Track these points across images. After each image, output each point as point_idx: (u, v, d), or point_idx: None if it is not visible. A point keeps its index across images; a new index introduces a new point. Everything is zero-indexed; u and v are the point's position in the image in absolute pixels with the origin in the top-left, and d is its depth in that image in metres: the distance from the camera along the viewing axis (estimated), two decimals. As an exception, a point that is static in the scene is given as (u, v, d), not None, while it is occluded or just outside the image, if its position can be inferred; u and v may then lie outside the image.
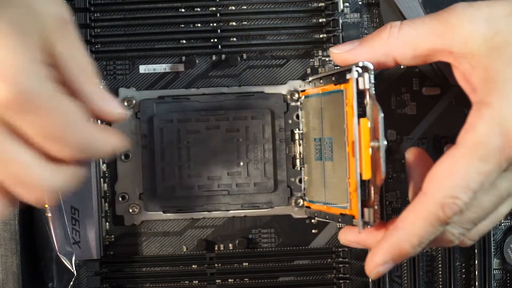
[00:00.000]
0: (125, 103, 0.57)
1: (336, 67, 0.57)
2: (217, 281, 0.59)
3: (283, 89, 0.58)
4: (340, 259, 0.58)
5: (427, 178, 0.44)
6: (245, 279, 0.59)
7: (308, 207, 0.57)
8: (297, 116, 0.58)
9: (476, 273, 0.58)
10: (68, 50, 0.40)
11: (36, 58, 0.38)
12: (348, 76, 0.47)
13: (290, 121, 0.58)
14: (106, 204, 0.58)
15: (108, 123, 0.56)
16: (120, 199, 0.58)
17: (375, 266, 0.46)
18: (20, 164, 0.39)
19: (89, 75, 0.42)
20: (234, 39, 0.58)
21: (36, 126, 0.38)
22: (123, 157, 0.58)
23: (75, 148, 0.39)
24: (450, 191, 0.43)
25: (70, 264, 0.56)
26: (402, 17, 0.55)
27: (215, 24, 0.58)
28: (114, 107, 0.42)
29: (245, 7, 0.58)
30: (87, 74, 0.41)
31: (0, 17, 0.37)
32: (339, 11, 0.58)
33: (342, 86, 0.48)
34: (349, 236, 0.49)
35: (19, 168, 0.39)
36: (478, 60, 0.44)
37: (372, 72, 0.46)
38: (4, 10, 0.38)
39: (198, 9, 0.58)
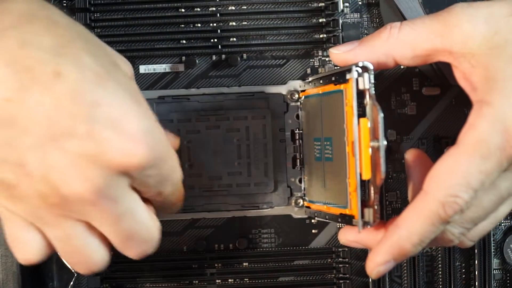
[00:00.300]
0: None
1: (336, 67, 0.57)
2: (217, 281, 0.59)
3: (283, 89, 0.58)
4: (340, 259, 0.58)
5: (428, 177, 0.44)
6: (245, 279, 0.59)
7: (308, 207, 0.57)
8: (297, 116, 0.58)
9: (476, 273, 0.58)
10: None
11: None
12: (348, 76, 0.47)
13: (290, 121, 0.58)
14: (106, 204, 0.58)
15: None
16: (120, 199, 0.58)
17: (376, 265, 0.46)
18: (85, 252, 0.44)
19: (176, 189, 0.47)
20: (234, 39, 0.58)
21: (112, 227, 0.43)
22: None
23: (135, 243, 0.45)
24: (451, 189, 0.43)
25: (70, 264, 0.56)
26: (402, 17, 0.55)
27: (215, 24, 0.58)
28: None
29: (245, 7, 0.58)
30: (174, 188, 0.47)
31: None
32: (339, 11, 0.58)
33: (342, 86, 0.48)
34: (348, 236, 0.49)
35: (84, 255, 0.44)
36: (478, 59, 0.44)
37: (372, 72, 0.46)
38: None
39: (198, 9, 0.58)
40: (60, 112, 0.39)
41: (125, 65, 0.46)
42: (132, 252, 0.45)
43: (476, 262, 0.58)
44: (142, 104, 0.43)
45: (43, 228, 0.43)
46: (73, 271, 0.56)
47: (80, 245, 0.44)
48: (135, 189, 0.43)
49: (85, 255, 0.44)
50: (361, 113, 0.46)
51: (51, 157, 0.39)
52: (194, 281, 0.58)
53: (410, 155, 0.49)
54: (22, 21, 0.39)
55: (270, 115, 0.57)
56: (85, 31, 0.43)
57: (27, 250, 0.44)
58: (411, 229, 0.44)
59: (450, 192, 0.43)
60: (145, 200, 0.45)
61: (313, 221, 0.58)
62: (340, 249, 0.58)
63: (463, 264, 0.58)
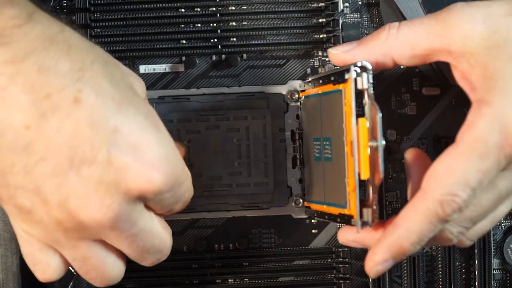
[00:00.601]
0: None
1: (335, 68, 0.57)
2: (217, 281, 0.59)
3: (283, 89, 0.58)
4: (340, 259, 0.58)
5: (426, 176, 0.44)
6: (245, 279, 0.59)
7: (308, 207, 0.57)
8: (297, 116, 0.58)
9: (476, 273, 0.57)
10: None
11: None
12: (346, 76, 0.47)
13: (290, 121, 0.58)
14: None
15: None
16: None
17: (375, 264, 0.46)
18: (103, 269, 0.45)
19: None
20: (234, 39, 0.58)
21: (129, 245, 0.44)
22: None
23: (151, 255, 0.46)
24: (449, 188, 0.43)
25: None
26: (402, 18, 0.55)
27: (215, 24, 0.58)
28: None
29: (245, 7, 0.58)
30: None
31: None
32: (339, 11, 0.58)
33: (340, 86, 0.48)
34: (348, 236, 0.49)
35: (101, 272, 0.45)
36: (477, 59, 0.44)
37: (371, 72, 0.46)
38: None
39: (198, 9, 0.58)
40: (80, 139, 0.39)
41: (139, 84, 0.46)
42: (148, 262, 0.46)
43: (476, 262, 0.57)
44: (161, 129, 0.43)
45: (60, 250, 0.44)
46: (72, 270, 0.56)
47: (98, 263, 0.44)
48: (148, 207, 0.44)
49: (103, 271, 0.45)
50: (360, 113, 0.46)
51: (69, 185, 0.40)
52: (194, 281, 0.59)
53: (409, 155, 0.49)
54: (41, 45, 0.39)
55: (270, 115, 0.57)
56: (102, 53, 0.43)
57: (46, 270, 0.45)
58: (409, 228, 0.44)
59: (448, 190, 0.43)
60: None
61: (313, 221, 0.58)
62: (340, 249, 0.58)
63: (463, 264, 0.58)
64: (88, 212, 0.40)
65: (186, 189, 0.46)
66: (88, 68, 0.40)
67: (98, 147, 0.39)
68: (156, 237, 0.45)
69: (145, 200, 0.43)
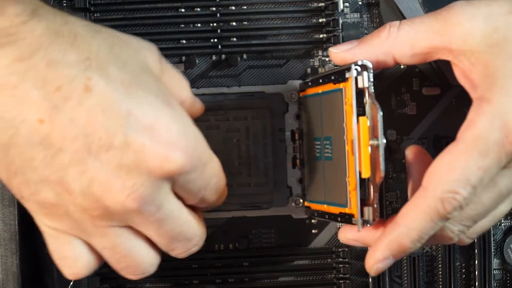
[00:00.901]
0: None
1: (336, 67, 0.57)
2: (217, 281, 0.58)
3: (283, 89, 0.58)
4: (340, 259, 0.58)
5: (427, 173, 0.44)
6: (245, 279, 0.59)
7: (308, 207, 0.57)
8: (297, 116, 0.58)
9: (476, 273, 0.57)
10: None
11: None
12: (347, 75, 0.47)
13: (290, 121, 0.58)
14: (106, 204, 0.58)
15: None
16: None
17: (375, 262, 0.46)
18: (134, 257, 0.45)
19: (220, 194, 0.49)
20: (234, 39, 0.58)
21: (156, 230, 0.44)
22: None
23: (180, 244, 0.46)
24: (450, 186, 0.43)
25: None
26: (402, 17, 0.55)
27: (215, 24, 0.58)
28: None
29: (245, 7, 0.58)
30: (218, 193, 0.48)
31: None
32: (339, 11, 0.58)
33: (341, 85, 0.48)
34: (348, 235, 0.49)
35: (133, 260, 0.45)
36: (478, 57, 0.44)
37: (371, 71, 0.46)
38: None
39: (198, 9, 0.58)
40: (95, 126, 0.39)
41: (150, 55, 0.46)
42: (178, 252, 0.47)
43: (476, 262, 0.57)
44: (174, 106, 0.43)
45: (89, 240, 0.44)
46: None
47: (128, 250, 0.45)
48: (178, 196, 0.45)
49: (134, 259, 0.45)
50: (361, 112, 0.46)
51: (90, 171, 0.40)
52: (194, 281, 0.58)
53: (410, 152, 0.49)
54: (47, 40, 0.39)
55: (270, 115, 0.57)
56: (108, 35, 0.43)
57: (76, 264, 0.45)
58: (410, 225, 0.44)
59: (449, 188, 0.43)
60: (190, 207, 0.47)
61: (313, 221, 0.58)
62: (340, 249, 0.58)
63: (463, 264, 0.58)
64: (112, 195, 0.40)
65: (213, 172, 0.46)
66: (95, 56, 0.41)
67: (114, 132, 0.40)
68: (185, 224, 0.45)
69: (171, 184, 0.43)
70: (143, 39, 0.47)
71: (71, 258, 0.44)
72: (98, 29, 0.43)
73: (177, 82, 0.49)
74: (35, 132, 0.39)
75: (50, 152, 0.39)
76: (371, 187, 0.46)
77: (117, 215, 0.42)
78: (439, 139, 0.58)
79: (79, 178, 0.40)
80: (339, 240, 0.51)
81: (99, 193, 0.40)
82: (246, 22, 0.58)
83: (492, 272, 0.58)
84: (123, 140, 0.40)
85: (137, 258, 0.45)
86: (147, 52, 0.46)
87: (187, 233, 0.46)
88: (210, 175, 0.45)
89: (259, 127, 0.57)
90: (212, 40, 0.58)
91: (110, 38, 0.43)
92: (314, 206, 0.55)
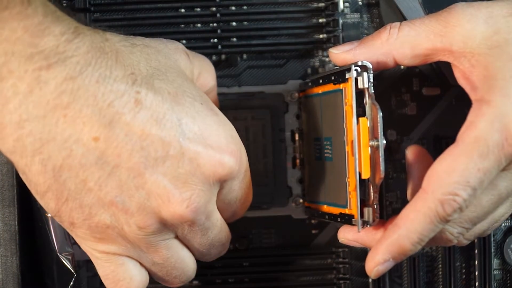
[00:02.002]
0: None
1: (336, 68, 0.56)
2: (217, 281, 0.58)
3: (283, 89, 0.58)
4: (340, 259, 0.58)
5: (427, 176, 0.44)
6: (245, 279, 0.59)
7: (308, 207, 0.57)
8: (297, 116, 0.58)
9: (476, 273, 0.57)
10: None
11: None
12: (347, 76, 0.47)
13: (290, 121, 0.58)
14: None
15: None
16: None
17: (375, 264, 0.46)
18: (182, 267, 0.46)
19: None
20: (234, 39, 0.58)
21: (201, 238, 0.45)
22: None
23: (217, 249, 0.48)
24: (450, 188, 0.43)
25: (70, 265, 0.56)
26: (402, 18, 0.55)
27: (215, 24, 0.58)
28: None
29: (245, 7, 0.58)
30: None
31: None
32: (339, 11, 0.58)
33: (341, 86, 0.48)
34: (348, 235, 0.49)
35: (181, 270, 0.46)
36: (478, 59, 0.44)
37: (371, 71, 0.46)
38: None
39: (198, 9, 0.58)
40: (150, 138, 0.40)
41: (181, 56, 0.47)
42: (212, 257, 0.48)
43: (476, 262, 0.57)
44: (217, 112, 0.44)
45: (139, 258, 0.44)
46: (72, 270, 0.56)
47: (178, 261, 0.45)
48: None
49: (183, 268, 0.46)
50: (361, 113, 0.46)
51: (147, 185, 0.40)
52: (194, 281, 0.58)
53: (410, 152, 0.49)
54: (93, 57, 0.39)
55: (270, 115, 0.57)
56: (142, 47, 0.44)
57: (130, 285, 0.45)
58: (410, 228, 0.44)
59: (449, 190, 0.43)
60: None
61: (313, 221, 0.58)
62: (340, 249, 0.58)
63: (463, 264, 0.58)
64: (171, 207, 0.41)
65: (249, 181, 0.47)
66: (138, 71, 0.41)
67: (169, 142, 0.40)
68: (223, 231, 0.47)
69: (221, 187, 0.44)
70: (166, 40, 0.48)
71: (125, 280, 0.45)
72: (132, 43, 0.43)
73: (206, 70, 0.50)
74: (90, 151, 0.39)
75: (106, 171, 0.39)
76: (371, 188, 0.46)
77: (171, 227, 0.42)
78: (439, 139, 0.58)
79: (136, 194, 0.40)
80: (339, 240, 0.51)
81: (157, 207, 0.41)
82: (246, 22, 0.58)
83: (492, 272, 0.58)
84: (178, 150, 0.40)
85: (185, 267, 0.46)
86: (176, 55, 0.46)
87: (223, 238, 0.47)
88: (248, 184, 0.47)
89: (259, 127, 0.57)
90: (212, 40, 0.58)
91: (145, 49, 0.43)
92: (314, 207, 0.55)
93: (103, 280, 0.45)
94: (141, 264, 0.45)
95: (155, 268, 0.45)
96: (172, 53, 0.46)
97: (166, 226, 0.42)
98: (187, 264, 0.46)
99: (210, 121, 0.42)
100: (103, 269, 0.44)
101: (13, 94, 0.38)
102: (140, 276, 0.45)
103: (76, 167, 0.39)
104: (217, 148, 0.42)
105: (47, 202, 0.41)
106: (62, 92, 0.38)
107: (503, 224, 0.58)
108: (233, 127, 0.44)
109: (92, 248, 0.44)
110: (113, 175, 0.39)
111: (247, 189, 0.47)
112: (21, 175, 0.41)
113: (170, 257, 0.44)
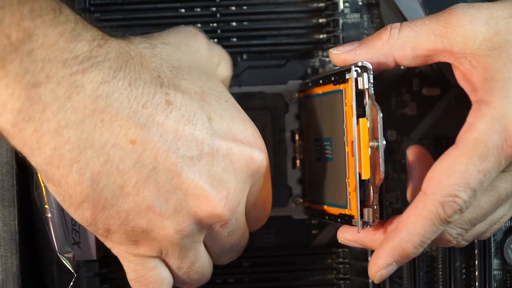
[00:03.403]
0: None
1: (336, 68, 0.56)
2: (217, 281, 0.58)
3: (283, 89, 0.58)
4: (340, 260, 0.58)
5: (427, 178, 0.44)
6: (245, 279, 0.59)
7: (308, 207, 0.57)
8: (297, 116, 0.57)
9: (476, 273, 0.57)
10: None
11: None
12: (347, 76, 0.47)
13: (290, 121, 0.58)
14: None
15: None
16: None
17: (378, 269, 0.46)
18: (204, 271, 0.47)
19: None
20: (234, 39, 0.58)
21: (225, 240, 0.45)
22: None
23: (235, 253, 0.49)
24: (450, 189, 0.43)
25: (70, 265, 0.56)
26: (402, 18, 0.55)
27: (215, 24, 0.58)
28: None
29: (245, 7, 0.58)
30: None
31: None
32: (339, 11, 0.58)
33: (341, 86, 0.48)
34: (347, 236, 0.49)
35: (203, 274, 0.47)
36: (478, 60, 0.44)
37: (371, 72, 0.46)
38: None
39: (198, 9, 0.58)
40: (184, 138, 0.40)
41: (203, 51, 0.47)
42: (225, 261, 0.49)
43: (476, 263, 0.57)
44: (240, 109, 0.45)
45: (168, 260, 0.44)
46: (72, 270, 0.56)
47: (201, 266, 0.46)
48: None
49: (203, 273, 0.46)
50: (361, 113, 0.46)
51: (184, 186, 0.40)
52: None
53: (411, 152, 0.49)
54: (123, 61, 0.39)
55: (270, 116, 0.57)
56: (160, 46, 0.44)
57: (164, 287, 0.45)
58: (411, 231, 0.44)
59: (449, 192, 0.43)
60: None
61: (313, 221, 0.58)
62: (340, 250, 0.58)
63: (463, 265, 0.58)
64: (209, 207, 0.41)
65: (270, 178, 0.48)
66: (163, 73, 0.41)
67: (202, 140, 0.40)
68: (245, 234, 0.47)
69: (251, 185, 0.44)
70: (184, 28, 0.48)
71: (157, 282, 0.45)
72: (152, 43, 0.44)
73: (225, 60, 0.51)
74: (128, 154, 0.39)
75: (143, 175, 0.39)
76: (371, 188, 0.46)
77: (205, 228, 0.43)
78: (439, 140, 0.58)
79: (173, 196, 0.40)
80: (338, 241, 0.51)
81: (193, 208, 0.41)
82: (246, 22, 0.58)
83: (492, 273, 0.58)
84: (212, 147, 0.41)
85: (205, 271, 0.46)
86: (197, 44, 0.47)
87: (242, 242, 0.47)
88: (269, 186, 0.47)
89: (259, 128, 0.57)
90: (212, 40, 0.58)
91: (165, 49, 0.44)
92: (314, 207, 0.55)
93: (132, 283, 0.45)
94: (165, 268, 0.45)
95: (179, 272, 0.45)
96: (192, 44, 0.46)
97: (200, 228, 0.42)
98: (207, 268, 0.46)
99: (237, 117, 0.43)
100: (135, 272, 0.44)
101: (51, 100, 0.37)
102: (169, 279, 0.45)
103: (114, 172, 0.39)
104: (247, 143, 0.43)
105: (82, 212, 0.40)
106: (98, 96, 0.38)
107: (503, 225, 0.58)
108: (253, 123, 0.45)
109: (126, 252, 0.43)
110: (150, 178, 0.39)
111: (269, 191, 0.48)
112: (52, 188, 0.40)
113: (196, 262, 0.45)
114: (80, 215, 0.41)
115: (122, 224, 0.41)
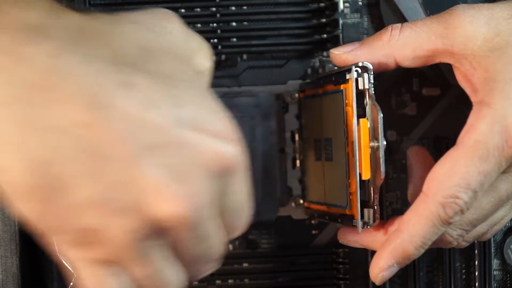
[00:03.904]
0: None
1: (336, 68, 0.56)
2: (217, 281, 0.58)
3: (283, 89, 0.58)
4: (340, 259, 0.58)
5: (428, 179, 0.44)
6: (245, 280, 0.59)
7: (308, 207, 0.57)
8: (297, 117, 0.57)
9: (476, 273, 0.58)
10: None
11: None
12: (347, 76, 0.47)
13: (290, 121, 0.58)
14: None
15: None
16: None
17: (380, 270, 0.46)
18: (171, 282, 0.38)
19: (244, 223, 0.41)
20: (234, 39, 0.58)
21: (192, 249, 0.38)
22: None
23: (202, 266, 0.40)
24: (451, 190, 0.43)
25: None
26: (402, 18, 0.55)
27: (215, 24, 0.58)
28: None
29: (245, 7, 0.58)
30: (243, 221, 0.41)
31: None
32: (339, 11, 0.58)
33: (341, 87, 0.48)
34: (348, 236, 0.49)
35: (169, 285, 0.38)
36: (479, 61, 0.44)
37: (372, 72, 0.46)
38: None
39: (198, 9, 0.58)
40: (145, 124, 0.34)
41: (173, 26, 0.41)
42: (202, 271, 0.41)
43: (476, 263, 0.57)
44: (214, 99, 0.38)
45: (126, 268, 0.38)
46: (72, 270, 0.56)
47: (168, 276, 0.39)
48: None
49: (171, 284, 0.39)
50: (361, 113, 0.46)
51: (141, 179, 0.34)
52: (193, 283, 0.58)
53: (412, 152, 0.49)
54: (76, 37, 0.35)
55: (270, 116, 0.57)
56: (129, 22, 0.39)
57: None
58: (412, 232, 0.44)
59: (450, 193, 0.43)
60: None
61: (313, 221, 0.58)
62: (340, 250, 0.58)
63: (463, 265, 0.58)
64: (167, 205, 0.35)
65: (248, 181, 0.40)
66: (126, 53, 0.36)
67: (165, 128, 0.34)
68: (220, 243, 0.40)
69: (224, 185, 0.38)
70: (157, 10, 0.42)
71: None
72: (120, 21, 0.39)
73: (202, 48, 0.43)
74: (79, 140, 0.33)
75: (96, 164, 0.34)
76: (371, 189, 0.46)
77: (165, 232, 0.36)
78: (439, 140, 0.58)
79: (128, 190, 0.34)
80: (339, 241, 0.51)
81: (151, 205, 0.34)
82: (246, 23, 0.58)
83: (492, 273, 0.58)
84: (176, 136, 0.35)
85: (173, 283, 0.39)
86: (169, 26, 0.41)
87: (217, 252, 0.40)
88: (247, 189, 0.40)
89: (259, 128, 0.57)
90: (212, 40, 0.58)
91: (132, 27, 0.39)
92: (314, 207, 0.55)
93: None
94: (126, 275, 0.38)
95: (143, 282, 0.38)
96: (165, 25, 0.40)
97: (160, 230, 0.36)
98: (176, 279, 0.39)
99: (209, 106, 0.37)
100: (89, 279, 0.38)
101: None
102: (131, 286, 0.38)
103: (65, 160, 0.33)
104: (219, 135, 0.36)
105: (25, 205, 0.35)
106: (47, 70, 0.33)
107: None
108: (227, 115, 0.39)
109: (75, 256, 0.37)
110: (104, 168, 0.34)
111: (245, 194, 0.40)
112: None
113: (163, 270, 0.38)
114: (25, 209, 0.35)
115: (70, 222, 0.35)
